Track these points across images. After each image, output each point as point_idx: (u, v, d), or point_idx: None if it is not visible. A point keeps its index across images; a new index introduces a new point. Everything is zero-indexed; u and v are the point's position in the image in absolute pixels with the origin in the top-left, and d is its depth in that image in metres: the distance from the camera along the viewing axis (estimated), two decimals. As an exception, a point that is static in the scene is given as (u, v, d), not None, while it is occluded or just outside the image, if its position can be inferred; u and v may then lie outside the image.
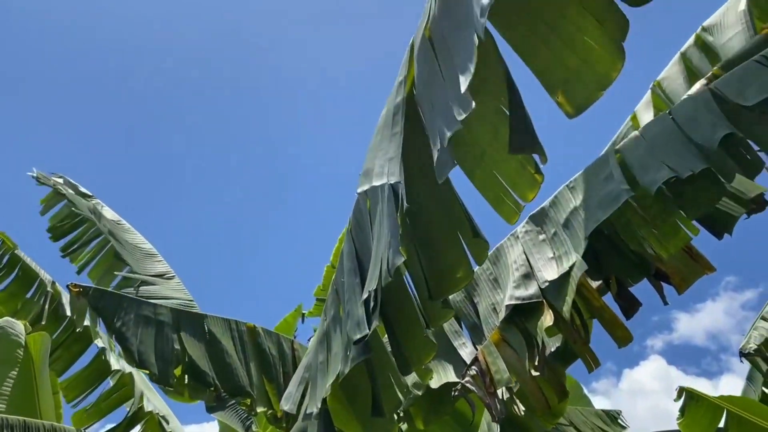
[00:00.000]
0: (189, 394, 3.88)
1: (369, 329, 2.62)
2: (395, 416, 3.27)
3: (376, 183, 2.69)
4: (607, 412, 6.68)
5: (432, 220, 2.73)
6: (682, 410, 4.01)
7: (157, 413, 5.29)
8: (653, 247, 3.61)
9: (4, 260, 5.91)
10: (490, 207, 2.99)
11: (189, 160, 18.74)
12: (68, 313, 5.55)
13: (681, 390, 4.03)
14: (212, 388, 3.81)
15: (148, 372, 3.71)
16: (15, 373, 4.12)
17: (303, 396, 3.29)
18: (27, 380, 4.07)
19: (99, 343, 5.59)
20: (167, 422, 5.34)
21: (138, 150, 18.45)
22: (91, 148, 17.79)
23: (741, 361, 5.16)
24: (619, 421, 6.59)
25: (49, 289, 5.77)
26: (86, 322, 5.40)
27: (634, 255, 3.68)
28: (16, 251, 5.93)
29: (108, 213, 6.25)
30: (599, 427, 6.43)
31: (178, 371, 3.78)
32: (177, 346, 3.81)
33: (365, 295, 2.57)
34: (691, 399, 4.00)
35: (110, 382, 5.53)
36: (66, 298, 5.69)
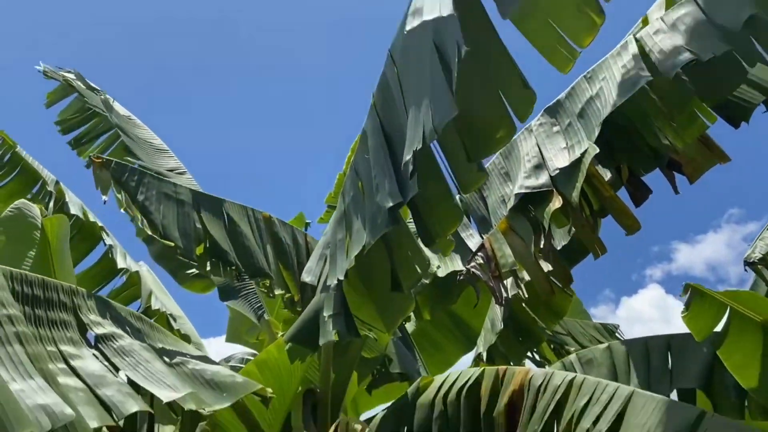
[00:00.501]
0: (211, 271, 3.93)
1: (408, 195, 2.57)
2: (412, 294, 3.28)
3: (428, 17, 2.52)
4: (605, 326, 6.81)
5: (473, 73, 2.53)
6: (687, 305, 4.04)
7: (165, 311, 5.37)
8: (669, 138, 3.57)
9: (5, 159, 5.87)
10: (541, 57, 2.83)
11: (199, 61, 18.23)
12: (73, 212, 5.55)
13: (687, 286, 4.05)
14: (233, 267, 3.86)
15: (173, 244, 3.73)
16: (32, 253, 4.16)
17: (322, 271, 3.32)
18: (44, 262, 4.10)
19: (106, 241, 5.65)
20: (175, 320, 5.42)
21: (143, 48, 17.93)
22: (97, 46, 17.24)
23: (745, 270, 5.18)
24: (617, 335, 6.72)
25: (51, 188, 5.74)
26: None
27: (648, 146, 3.65)
28: (16, 149, 5.89)
29: (118, 108, 6.17)
30: (596, 338, 6.56)
31: (200, 249, 3.82)
32: (198, 225, 3.83)
33: (407, 157, 2.50)
34: (696, 294, 4.03)
35: (120, 281, 5.62)
36: (69, 197, 5.69)
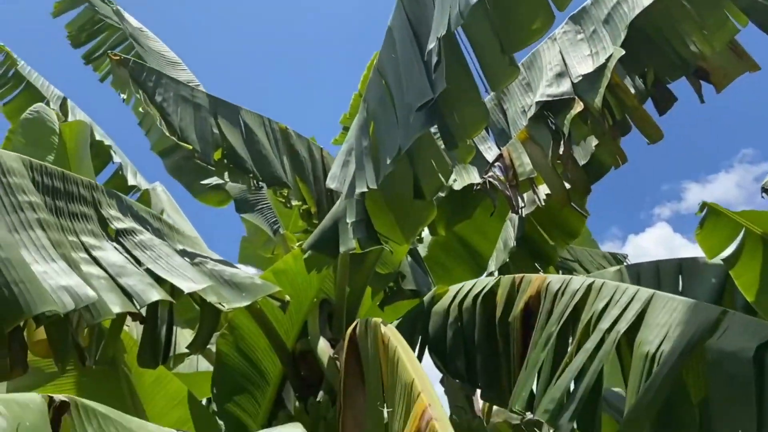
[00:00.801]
0: (229, 178, 3.89)
1: (438, 89, 2.50)
2: (434, 202, 3.24)
3: None
4: (614, 255, 6.82)
5: None
6: (702, 223, 4.00)
7: (177, 228, 5.36)
8: (696, 44, 3.47)
9: (10, 74, 5.81)
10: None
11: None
12: (80, 130, 5.47)
13: (703, 204, 3.99)
14: (250, 175, 3.81)
15: (191, 147, 3.67)
16: (51, 158, 4.13)
17: (347, 177, 3.28)
18: (62, 167, 4.08)
19: (115, 159, 5.60)
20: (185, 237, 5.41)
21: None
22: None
23: (762, 197, 5.13)
24: (625, 264, 6.74)
25: (55, 107, 5.65)
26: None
27: (675, 53, 3.55)
28: (18, 67, 5.82)
29: (130, 19, 6.01)
30: (604, 267, 6.58)
31: (217, 155, 3.77)
32: (215, 131, 3.75)
33: (431, 46, 2.40)
34: (712, 213, 3.97)
35: (131, 198, 5.59)
36: (75, 115, 5.61)
